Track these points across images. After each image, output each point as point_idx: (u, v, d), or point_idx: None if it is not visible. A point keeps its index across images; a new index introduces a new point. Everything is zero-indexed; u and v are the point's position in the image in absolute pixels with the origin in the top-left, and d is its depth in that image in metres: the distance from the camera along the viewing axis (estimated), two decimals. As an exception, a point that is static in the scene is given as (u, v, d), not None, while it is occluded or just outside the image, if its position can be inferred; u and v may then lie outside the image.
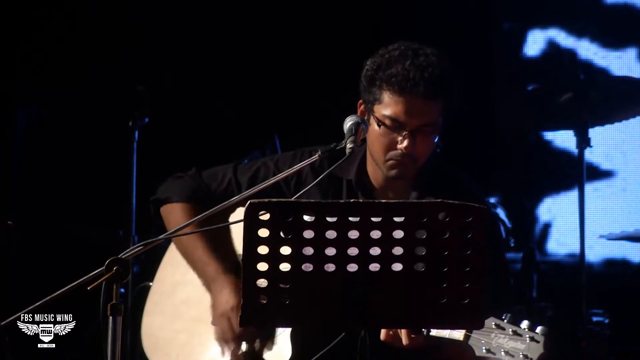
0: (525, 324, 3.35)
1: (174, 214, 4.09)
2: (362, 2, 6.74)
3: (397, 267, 2.92)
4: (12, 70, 6.51)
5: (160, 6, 6.68)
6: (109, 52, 6.53)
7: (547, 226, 6.90)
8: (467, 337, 3.38)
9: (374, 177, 3.98)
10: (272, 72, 6.75)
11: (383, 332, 3.53)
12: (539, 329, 3.33)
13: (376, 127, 3.83)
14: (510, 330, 3.34)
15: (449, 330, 3.43)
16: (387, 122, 3.81)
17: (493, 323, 3.35)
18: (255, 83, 6.77)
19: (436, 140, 3.88)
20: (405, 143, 3.79)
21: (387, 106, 3.81)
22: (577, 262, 5.61)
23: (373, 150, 3.88)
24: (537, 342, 3.30)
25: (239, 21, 6.79)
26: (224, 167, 4.12)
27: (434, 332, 3.47)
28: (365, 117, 3.89)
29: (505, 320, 3.36)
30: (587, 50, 6.82)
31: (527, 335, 3.31)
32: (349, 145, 3.64)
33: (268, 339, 3.90)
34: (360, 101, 3.93)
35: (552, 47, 6.87)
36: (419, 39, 3.97)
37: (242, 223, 2.94)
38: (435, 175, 3.97)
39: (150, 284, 4.26)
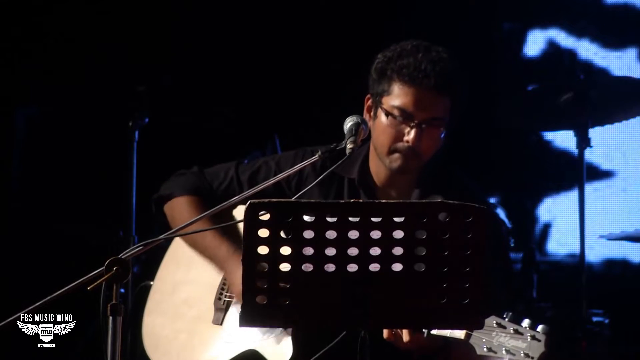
0: (526, 322, 3.34)
1: (179, 207, 4.10)
2: (362, 3, 6.74)
3: (397, 267, 2.92)
4: (12, 70, 6.51)
5: (160, 6, 6.67)
6: (109, 52, 6.53)
7: (547, 226, 6.90)
8: (468, 336, 3.38)
9: (376, 175, 3.99)
10: (273, 72, 6.75)
11: (385, 330, 3.53)
12: (540, 328, 3.32)
13: (383, 118, 3.84)
14: (512, 328, 3.33)
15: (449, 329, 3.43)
16: (396, 112, 3.83)
17: (494, 322, 3.34)
18: (256, 83, 6.76)
19: (442, 136, 3.88)
20: (412, 135, 3.80)
21: (397, 97, 3.83)
22: (577, 262, 5.60)
23: (378, 143, 3.88)
24: (539, 340, 3.29)
25: (239, 21, 6.79)
26: (226, 165, 4.14)
27: (435, 331, 3.47)
28: (372, 113, 3.91)
29: (507, 319, 3.35)
30: (587, 50, 6.81)
31: (529, 334, 3.31)
32: (349, 146, 3.65)
33: None
34: (368, 96, 3.95)
35: (552, 47, 6.87)
36: (419, 39, 3.98)
37: (242, 223, 2.94)
38: (439, 174, 3.97)
39: (151, 283, 4.26)
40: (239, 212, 4.00)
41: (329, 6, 6.73)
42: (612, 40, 6.79)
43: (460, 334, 3.40)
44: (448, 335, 3.43)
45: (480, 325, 3.03)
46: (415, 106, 3.81)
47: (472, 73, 6.74)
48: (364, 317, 2.94)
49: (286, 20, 6.76)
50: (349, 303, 2.93)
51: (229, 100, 6.71)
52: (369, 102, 3.95)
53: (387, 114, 3.84)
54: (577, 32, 6.82)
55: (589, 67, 6.74)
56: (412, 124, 3.81)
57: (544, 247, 6.87)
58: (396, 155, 3.85)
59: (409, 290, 2.94)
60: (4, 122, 6.54)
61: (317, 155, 3.67)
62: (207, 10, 6.76)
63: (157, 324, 4.13)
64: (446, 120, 3.86)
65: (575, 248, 6.15)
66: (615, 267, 6.78)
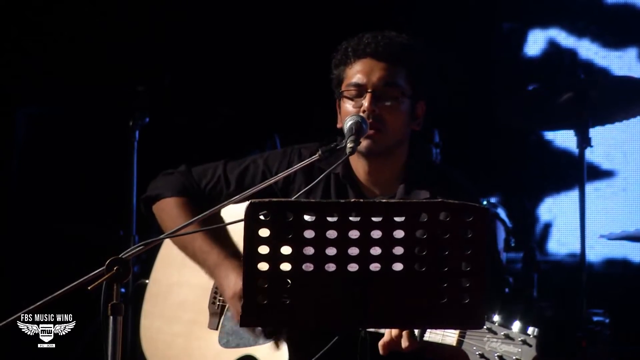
0: (516, 326, 3.34)
1: (169, 209, 4.08)
2: (361, 3, 6.74)
3: (398, 266, 2.92)
4: (12, 70, 6.51)
5: (161, 6, 6.68)
6: (109, 52, 6.53)
7: (547, 226, 6.90)
8: (459, 342, 3.38)
9: (357, 171, 3.96)
10: (273, 72, 6.75)
11: (381, 347, 3.53)
12: (530, 331, 3.32)
13: (344, 104, 3.86)
14: (502, 333, 3.33)
15: (441, 336, 3.43)
16: (351, 89, 3.86)
17: (485, 326, 3.34)
18: (256, 83, 6.77)
19: (404, 109, 3.86)
20: (366, 103, 3.81)
21: (349, 77, 3.88)
22: (577, 261, 5.60)
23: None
24: (530, 345, 3.30)
25: (239, 21, 6.79)
26: (214, 164, 4.12)
27: (426, 337, 3.46)
28: (338, 109, 3.92)
29: (497, 323, 3.35)
30: (588, 50, 6.82)
31: (520, 339, 3.31)
32: (349, 145, 3.65)
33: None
34: (337, 100, 3.96)
35: (553, 47, 6.87)
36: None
37: (240, 223, 2.94)
38: (424, 169, 3.95)
39: (147, 281, 4.25)
40: (228, 212, 3.98)
41: (328, 6, 6.74)
42: (613, 40, 6.79)
43: (451, 340, 3.40)
44: (439, 341, 3.43)
45: (480, 325, 3.03)
46: (365, 76, 3.85)
47: (473, 73, 6.79)
48: (365, 316, 2.93)
49: (286, 20, 6.76)
50: (350, 303, 2.92)
51: (229, 100, 6.71)
52: (338, 105, 3.97)
53: (345, 96, 3.86)
54: (578, 31, 6.83)
55: (589, 67, 6.75)
56: (365, 94, 3.83)
57: (544, 247, 6.87)
58: None
59: (410, 289, 2.93)
60: (4, 122, 6.55)
61: (317, 155, 3.67)
62: (207, 10, 6.76)
63: (154, 327, 4.12)
64: (405, 91, 3.85)
65: (575, 248, 6.16)
66: (616, 267, 6.78)
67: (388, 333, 3.52)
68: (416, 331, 3.46)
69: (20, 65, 6.53)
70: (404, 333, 3.48)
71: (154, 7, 6.66)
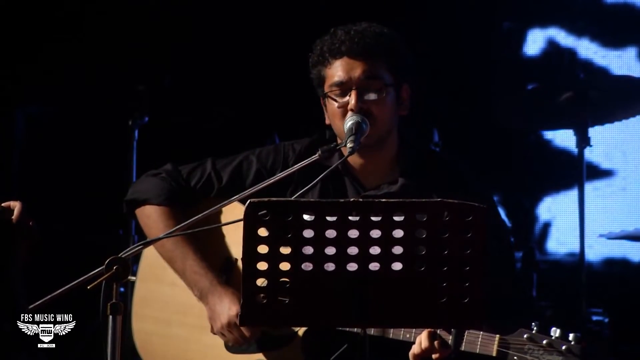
0: (555, 332, 3.29)
1: (153, 218, 4.01)
2: (361, 3, 6.74)
3: (397, 266, 2.92)
4: (12, 70, 6.51)
5: (161, 6, 6.68)
6: (109, 52, 6.53)
7: (547, 225, 6.90)
8: (499, 352, 3.34)
9: (353, 164, 3.93)
10: (272, 71, 6.75)
11: (412, 357, 3.51)
12: (572, 337, 3.27)
13: (330, 104, 3.84)
14: (544, 342, 3.28)
15: (479, 346, 3.40)
16: (335, 89, 3.83)
17: (525, 335, 3.30)
18: (255, 83, 6.76)
19: (390, 99, 3.84)
20: (352, 100, 3.78)
21: (330, 77, 3.85)
22: (577, 261, 5.61)
23: (337, 130, 3.86)
24: (576, 355, 3.25)
25: (238, 21, 6.79)
26: (201, 162, 4.07)
27: (463, 347, 3.43)
28: (324, 108, 3.90)
29: (535, 330, 3.30)
30: (587, 49, 6.82)
31: (563, 347, 3.26)
32: (349, 145, 3.65)
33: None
34: (321, 99, 3.94)
35: (552, 47, 6.87)
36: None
37: (235, 223, 2.93)
38: (420, 155, 3.93)
39: (133, 278, 4.20)
40: (224, 210, 3.92)
41: (328, 6, 6.73)
42: (612, 39, 6.79)
43: (491, 350, 3.36)
44: (477, 351, 3.40)
45: (479, 325, 3.02)
46: (345, 73, 3.82)
47: (472, 72, 6.78)
48: (364, 316, 2.93)
49: (286, 19, 6.76)
50: (349, 302, 2.93)
51: (229, 100, 6.71)
52: (323, 104, 3.94)
53: (329, 96, 3.84)
54: (577, 31, 6.83)
55: (588, 66, 6.75)
56: (350, 92, 3.80)
57: (543, 246, 6.87)
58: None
59: (409, 289, 2.94)
60: (4, 122, 6.55)
61: (317, 155, 3.67)
62: (207, 10, 6.76)
63: (147, 330, 4.06)
64: (388, 81, 3.83)
65: (575, 247, 6.16)
66: (615, 266, 6.78)
67: (418, 344, 3.50)
68: (450, 341, 3.44)
69: (20, 65, 6.53)
70: (436, 343, 3.46)
71: (154, 7, 6.66)
